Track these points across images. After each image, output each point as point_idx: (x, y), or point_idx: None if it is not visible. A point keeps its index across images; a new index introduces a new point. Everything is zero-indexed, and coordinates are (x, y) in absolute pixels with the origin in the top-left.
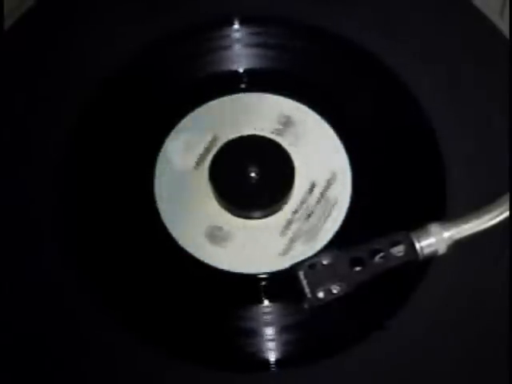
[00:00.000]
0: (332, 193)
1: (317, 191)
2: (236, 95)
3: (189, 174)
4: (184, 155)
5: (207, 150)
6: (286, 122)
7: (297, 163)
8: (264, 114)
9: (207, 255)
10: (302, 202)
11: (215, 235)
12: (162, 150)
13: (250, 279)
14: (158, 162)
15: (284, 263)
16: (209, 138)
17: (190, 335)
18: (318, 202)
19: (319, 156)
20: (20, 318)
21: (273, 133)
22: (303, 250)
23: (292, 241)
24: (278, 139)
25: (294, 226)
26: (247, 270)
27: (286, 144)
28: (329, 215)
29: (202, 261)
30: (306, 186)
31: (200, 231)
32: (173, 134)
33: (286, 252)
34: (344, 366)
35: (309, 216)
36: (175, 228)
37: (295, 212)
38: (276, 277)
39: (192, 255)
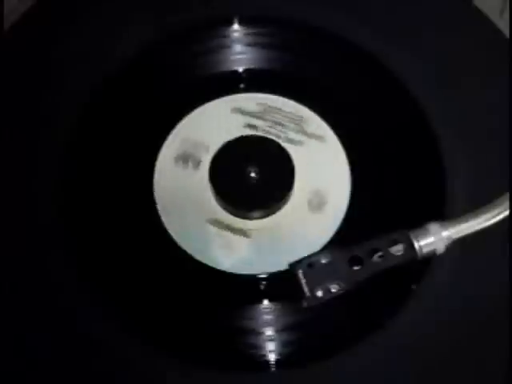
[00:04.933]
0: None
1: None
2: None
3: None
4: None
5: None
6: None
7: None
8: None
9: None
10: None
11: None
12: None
13: (250, 279)
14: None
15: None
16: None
17: (190, 335)
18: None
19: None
20: (20, 317)
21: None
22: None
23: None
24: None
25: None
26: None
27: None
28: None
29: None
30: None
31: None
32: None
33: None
34: (344, 366)
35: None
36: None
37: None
38: (276, 277)
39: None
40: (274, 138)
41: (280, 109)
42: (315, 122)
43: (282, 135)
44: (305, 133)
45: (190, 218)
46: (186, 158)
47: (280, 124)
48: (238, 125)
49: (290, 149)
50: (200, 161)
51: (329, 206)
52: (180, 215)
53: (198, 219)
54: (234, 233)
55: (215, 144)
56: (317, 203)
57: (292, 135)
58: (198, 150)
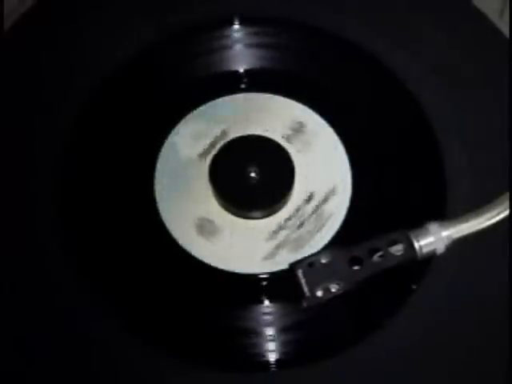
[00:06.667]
0: (329, 203)
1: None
2: (243, 94)
3: (189, 174)
4: (190, 145)
5: (212, 145)
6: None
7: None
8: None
9: (208, 256)
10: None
11: (215, 236)
12: (165, 145)
13: (250, 279)
14: (158, 161)
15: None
16: (215, 134)
17: (190, 335)
18: (314, 210)
19: (318, 156)
20: (20, 317)
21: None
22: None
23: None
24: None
25: (284, 232)
26: (247, 271)
27: (285, 144)
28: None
29: (203, 261)
30: (305, 189)
31: (200, 232)
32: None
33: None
34: (344, 366)
35: (301, 224)
36: (176, 229)
37: (288, 218)
38: (276, 277)
39: (192, 256)
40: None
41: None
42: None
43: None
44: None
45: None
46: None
47: None
48: None
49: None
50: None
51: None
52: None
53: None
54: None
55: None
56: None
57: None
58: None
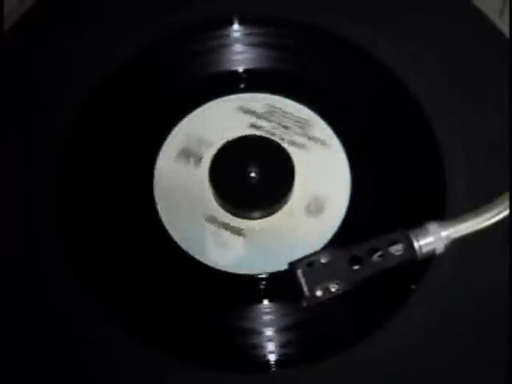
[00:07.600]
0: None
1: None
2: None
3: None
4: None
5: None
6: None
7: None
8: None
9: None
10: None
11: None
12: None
13: (250, 279)
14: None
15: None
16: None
17: (190, 335)
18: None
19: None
20: (20, 317)
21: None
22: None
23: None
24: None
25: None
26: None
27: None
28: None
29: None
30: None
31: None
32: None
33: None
34: (344, 366)
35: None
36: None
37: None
38: (276, 277)
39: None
40: (277, 139)
41: (286, 111)
42: (319, 126)
43: (286, 138)
44: (308, 136)
45: (188, 216)
46: (187, 154)
47: (285, 127)
48: (243, 124)
49: (292, 152)
50: (202, 157)
51: (328, 207)
52: (179, 213)
53: (196, 217)
54: (232, 232)
55: (218, 142)
56: (315, 207)
57: (295, 138)
58: (200, 147)
